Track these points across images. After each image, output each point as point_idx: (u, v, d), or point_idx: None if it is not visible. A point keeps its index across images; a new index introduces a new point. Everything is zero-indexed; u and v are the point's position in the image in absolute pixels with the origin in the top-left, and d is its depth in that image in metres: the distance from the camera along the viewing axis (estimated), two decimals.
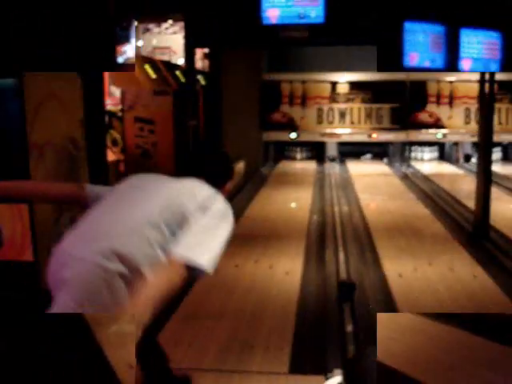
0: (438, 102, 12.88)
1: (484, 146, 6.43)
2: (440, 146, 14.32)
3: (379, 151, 14.23)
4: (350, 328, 4.03)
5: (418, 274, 5.29)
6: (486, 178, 6.38)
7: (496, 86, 12.31)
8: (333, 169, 12.60)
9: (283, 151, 14.17)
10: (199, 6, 6.43)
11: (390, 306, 4.51)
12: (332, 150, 13.55)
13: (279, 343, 3.83)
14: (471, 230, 6.77)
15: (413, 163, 13.61)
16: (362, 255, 5.90)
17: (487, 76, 6.31)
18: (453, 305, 4.57)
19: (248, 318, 4.27)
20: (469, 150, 13.49)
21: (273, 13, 6.24)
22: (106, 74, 10.00)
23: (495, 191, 9.98)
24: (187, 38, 6.52)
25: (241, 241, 6.46)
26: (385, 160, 13.97)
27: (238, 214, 7.94)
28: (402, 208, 8.56)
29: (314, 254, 5.96)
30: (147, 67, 8.11)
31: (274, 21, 6.26)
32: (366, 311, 4.38)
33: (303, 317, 4.30)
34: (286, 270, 5.39)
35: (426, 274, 5.29)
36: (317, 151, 13.98)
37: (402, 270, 5.37)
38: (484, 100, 6.37)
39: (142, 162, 7.02)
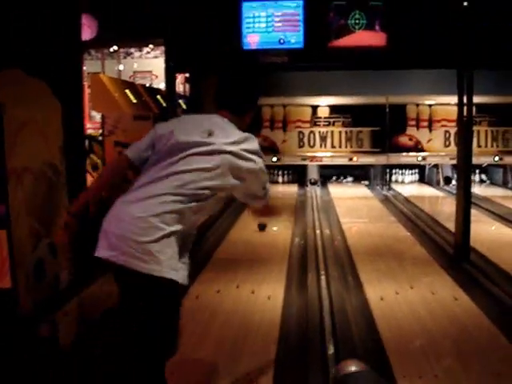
0: (418, 126, 13.01)
1: (463, 168, 6.49)
2: (420, 168, 14.45)
3: (360, 174, 14.32)
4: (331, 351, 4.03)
5: (399, 298, 5.29)
6: (465, 201, 6.43)
7: (474, 109, 12.55)
8: (314, 192, 12.64)
9: None
10: (180, 31, 6.47)
11: (372, 329, 4.50)
12: (313, 174, 13.60)
13: (261, 368, 3.80)
14: (452, 252, 6.80)
15: (394, 186, 13.69)
16: (343, 279, 5.89)
17: (465, 99, 6.37)
18: (435, 328, 4.56)
19: (230, 344, 4.23)
20: (449, 172, 13.60)
21: (253, 38, 6.30)
22: (87, 99, 10.01)
23: (475, 213, 10.05)
24: (168, 62, 6.54)
25: (222, 266, 6.44)
26: (366, 183, 14.06)
27: (219, 239, 7.92)
28: (383, 231, 8.59)
29: (296, 278, 5.94)
30: (128, 92, 8.13)
31: (254, 46, 6.33)
32: (348, 335, 4.38)
33: (285, 341, 4.27)
34: (268, 295, 5.36)
35: (408, 298, 5.29)
36: (298, 175, 14.04)
37: (384, 294, 5.36)
38: (462, 122, 6.43)
39: (122, 187, 6.99)
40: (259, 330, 4.51)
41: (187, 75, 9.85)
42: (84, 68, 12.78)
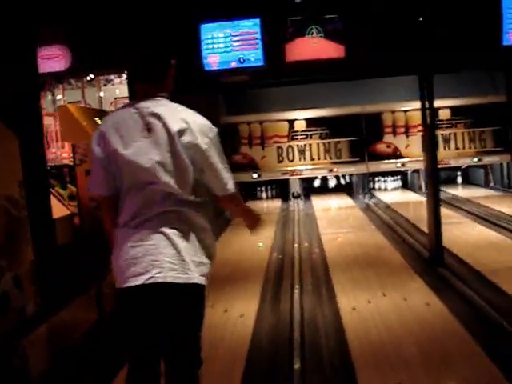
0: (395, 132, 13.08)
1: (430, 172, 6.54)
2: (403, 174, 14.52)
3: (343, 184, 14.39)
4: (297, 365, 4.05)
5: (371, 306, 5.30)
6: (435, 205, 6.46)
7: (450, 112, 12.67)
8: (297, 205, 12.68)
9: (249, 191, 14.23)
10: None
11: (341, 340, 4.51)
12: (295, 187, 13.66)
13: None
14: (427, 257, 6.83)
15: (377, 193, 13.75)
16: (317, 291, 5.90)
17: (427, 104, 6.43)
18: (404, 335, 4.57)
19: None
20: None
21: (213, 59, 6.35)
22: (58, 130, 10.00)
23: (457, 216, 10.15)
24: (131, 88, 6.58)
25: None
26: (348, 192, 14.15)
27: None
28: (362, 240, 8.61)
29: (270, 294, 5.95)
30: (98, 120, 8.16)
31: (214, 67, 6.38)
32: (316, 347, 4.39)
33: (253, 361, 4.26)
34: (241, 313, 5.36)
35: (380, 306, 5.30)
36: (281, 189, 14.10)
37: (356, 303, 5.37)
38: (427, 127, 6.48)
39: (95, 215, 7.00)
40: (228, 348, 4.52)
41: None
42: (64, 98, 12.83)
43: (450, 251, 7.11)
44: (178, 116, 2.57)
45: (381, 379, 3.78)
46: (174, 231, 2.59)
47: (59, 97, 11.87)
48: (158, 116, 2.55)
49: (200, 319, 2.71)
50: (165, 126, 2.53)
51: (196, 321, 2.69)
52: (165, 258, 2.56)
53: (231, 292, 6.13)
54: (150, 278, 2.55)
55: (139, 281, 2.56)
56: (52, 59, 8.99)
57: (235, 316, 5.31)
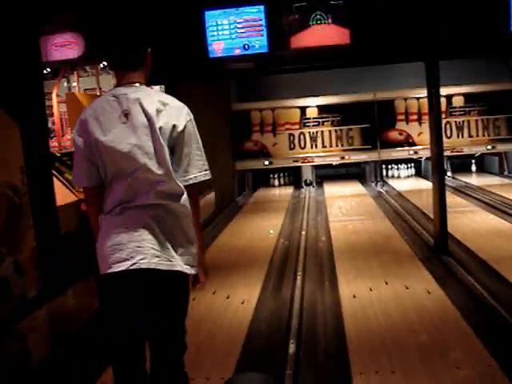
0: (407, 120, 12.96)
1: (436, 160, 6.50)
2: (417, 162, 14.43)
3: (355, 172, 14.34)
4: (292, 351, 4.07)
5: (372, 294, 5.29)
6: (440, 192, 6.43)
7: (463, 99, 12.53)
8: (308, 193, 12.66)
9: (262, 179, 14.26)
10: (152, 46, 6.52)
11: (339, 328, 4.51)
12: (308, 175, 13.63)
13: (221, 374, 3.83)
14: (432, 245, 6.80)
15: (390, 181, 13.68)
16: (320, 278, 5.91)
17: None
18: (403, 323, 4.56)
19: (194, 351, 4.25)
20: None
21: (218, 46, 6.33)
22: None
23: (469, 204, 10.08)
24: None
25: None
26: (360, 180, 14.12)
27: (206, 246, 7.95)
28: (370, 228, 8.59)
29: (274, 281, 5.97)
30: None
31: (219, 54, 6.36)
32: (312, 334, 4.40)
33: (249, 348, 4.28)
34: (243, 299, 5.39)
35: (381, 294, 5.29)
36: (294, 177, 14.09)
37: (357, 291, 5.37)
38: (432, 114, 6.43)
39: None
40: (226, 334, 4.55)
41: (162, 86, 9.93)
42: (79, 85, 12.89)
43: (457, 239, 7.09)
44: (155, 99, 2.58)
45: (375, 367, 3.78)
46: (159, 220, 2.61)
47: (74, 84, 11.92)
48: (135, 101, 2.56)
49: (184, 306, 2.73)
50: (142, 108, 2.55)
51: (179, 307, 2.71)
52: (148, 244, 2.58)
53: (236, 278, 6.16)
54: (134, 263, 2.57)
55: (123, 267, 2.58)
56: (65, 47, 9.04)
57: (236, 302, 5.33)
